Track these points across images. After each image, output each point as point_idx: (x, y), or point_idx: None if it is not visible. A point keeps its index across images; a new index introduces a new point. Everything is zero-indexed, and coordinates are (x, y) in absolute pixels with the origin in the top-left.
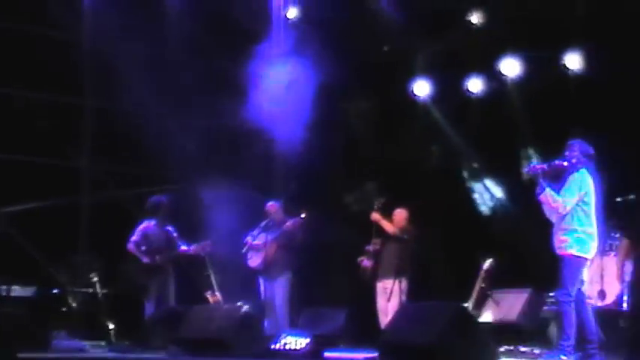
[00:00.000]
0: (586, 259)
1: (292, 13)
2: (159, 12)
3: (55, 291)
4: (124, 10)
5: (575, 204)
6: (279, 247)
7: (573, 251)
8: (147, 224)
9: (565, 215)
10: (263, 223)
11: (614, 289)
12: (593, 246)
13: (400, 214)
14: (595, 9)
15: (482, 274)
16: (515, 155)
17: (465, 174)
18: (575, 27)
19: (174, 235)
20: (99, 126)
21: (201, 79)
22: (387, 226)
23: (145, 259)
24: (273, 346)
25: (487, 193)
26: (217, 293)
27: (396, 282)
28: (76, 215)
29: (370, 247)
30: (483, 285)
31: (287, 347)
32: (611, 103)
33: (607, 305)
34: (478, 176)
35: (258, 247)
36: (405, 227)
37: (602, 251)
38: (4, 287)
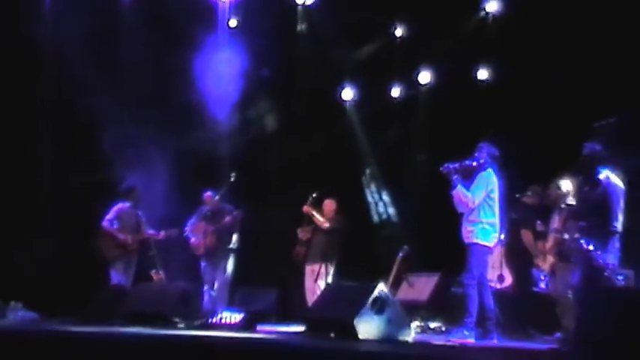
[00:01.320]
0: (489, 247)
1: (233, 22)
2: (114, 16)
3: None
4: (82, 13)
5: (482, 199)
6: (218, 238)
7: (478, 240)
8: (121, 205)
9: (473, 209)
10: (202, 212)
11: (509, 274)
12: (495, 236)
13: (329, 205)
14: (502, 28)
15: (398, 259)
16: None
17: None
18: (485, 43)
19: (143, 219)
20: (58, 116)
21: (152, 75)
22: (318, 221)
23: (121, 236)
24: (211, 320)
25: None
26: (161, 272)
27: (323, 265)
28: (36, 199)
29: (302, 235)
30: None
31: (223, 321)
32: (514, 111)
33: (505, 287)
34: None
35: (198, 238)
36: (333, 217)
37: (502, 241)
38: None
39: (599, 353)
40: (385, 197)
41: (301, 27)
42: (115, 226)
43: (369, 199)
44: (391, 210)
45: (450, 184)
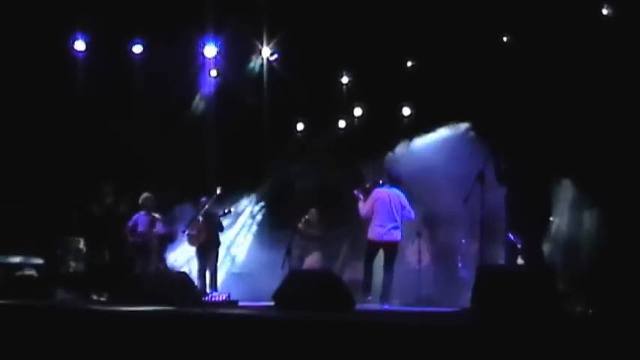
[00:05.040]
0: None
1: (214, 73)
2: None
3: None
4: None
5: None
6: (209, 234)
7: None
8: (138, 215)
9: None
10: (196, 215)
11: (425, 258)
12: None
13: (313, 213)
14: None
15: (344, 250)
16: None
17: None
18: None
19: (158, 219)
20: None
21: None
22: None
23: (130, 239)
24: (205, 299)
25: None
26: (165, 262)
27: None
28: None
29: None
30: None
31: (214, 300)
32: None
33: (421, 267)
34: None
35: (194, 235)
36: (318, 223)
37: (419, 235)
38: None
39: (488, 312)
40: None
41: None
42: (134, 229)
43: None
44: None
45: (358, 200)
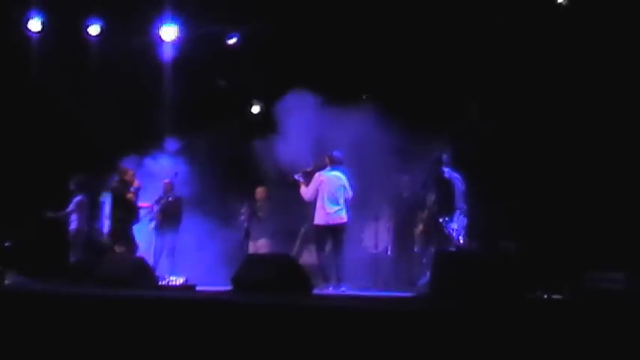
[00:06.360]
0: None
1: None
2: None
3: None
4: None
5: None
6: (165, 215)
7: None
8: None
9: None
10: (162, 196)
11: (382, 242)
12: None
13: (261, 192)
14: None
15: (301, 234)
16: None
17: None
18: None
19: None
20: None
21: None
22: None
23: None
24: (160, 283)
25: None
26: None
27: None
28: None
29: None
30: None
31: (170, 283)
32: None
33: (378, 251)
34: None
35: (154, 215)
36: (265, 202)
37: (376, 219)
38: None
39: (445, 295)
40: None
41: None
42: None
43: None
44: None
45: (300, 185)
